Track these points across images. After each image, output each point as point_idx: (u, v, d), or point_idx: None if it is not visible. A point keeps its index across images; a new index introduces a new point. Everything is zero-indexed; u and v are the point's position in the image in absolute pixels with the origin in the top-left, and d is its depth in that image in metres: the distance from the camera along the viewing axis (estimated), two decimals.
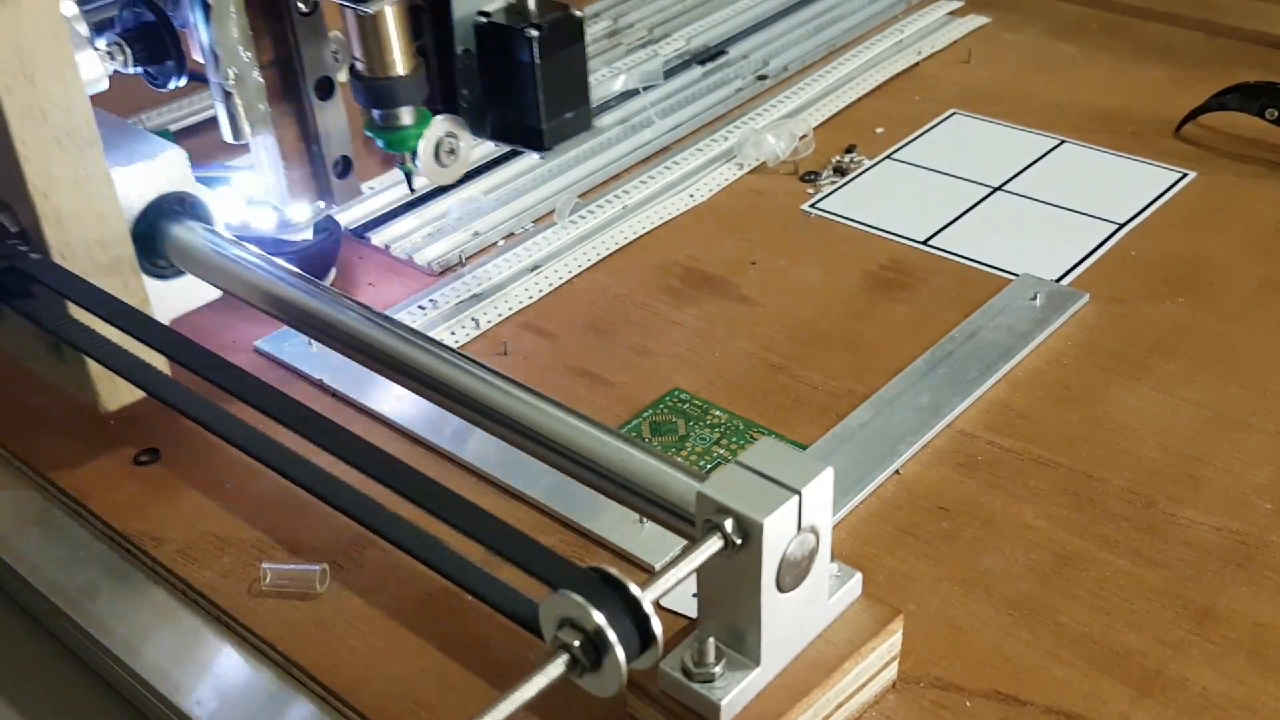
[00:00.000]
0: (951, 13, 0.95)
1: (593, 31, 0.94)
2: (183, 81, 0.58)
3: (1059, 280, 0.66)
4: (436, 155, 0.59)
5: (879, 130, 0.81)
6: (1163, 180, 0.74)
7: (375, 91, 0.57)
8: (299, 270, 0.54)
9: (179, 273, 0.56)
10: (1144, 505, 0.52)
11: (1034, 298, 0.63)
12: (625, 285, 0.68)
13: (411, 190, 0.64)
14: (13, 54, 0.47)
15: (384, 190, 0.76)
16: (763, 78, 0.86)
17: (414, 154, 0.59)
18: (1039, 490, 0.53)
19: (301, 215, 0.65)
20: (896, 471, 0.55)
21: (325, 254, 0.67)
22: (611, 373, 0.61)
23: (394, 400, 0.59)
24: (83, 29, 0.55)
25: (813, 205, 0.74)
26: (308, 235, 0.65)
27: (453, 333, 0.64)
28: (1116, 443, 0.56)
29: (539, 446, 0.46)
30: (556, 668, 0.34)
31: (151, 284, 0.55)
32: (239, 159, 0.78)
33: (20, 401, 0.61)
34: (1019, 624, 0.48)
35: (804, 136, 0.78)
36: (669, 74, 0.86)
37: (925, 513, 0.53)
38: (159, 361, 0.50)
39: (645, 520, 0.52)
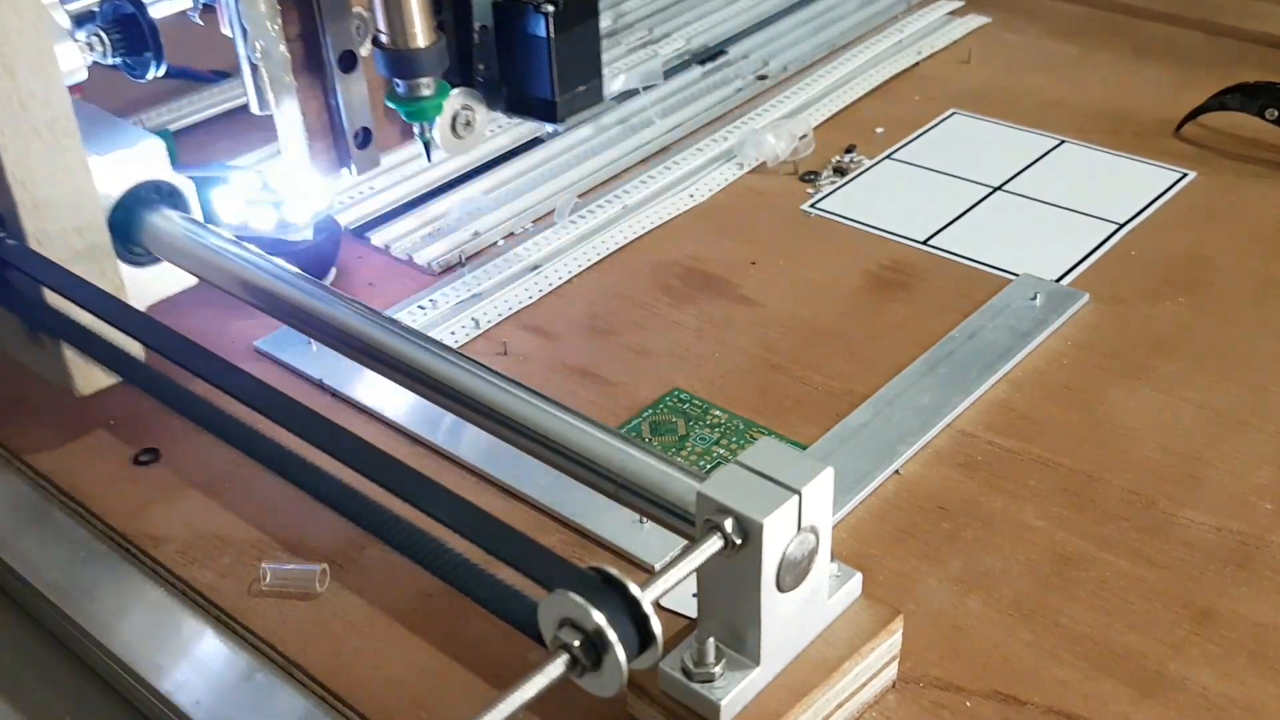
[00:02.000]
0: (951, 13, 0.95)
1: None
2: (160, 72, 0.60)
3: (1059, 280, 0.66)
4: (453, 128, 0.62)
5: (879, 130, 0.81)
6: (1163, 180, 0.74)
7: (397, 62, 0.59)
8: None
9: (155, 260, 0.57)
10: (1144, 505, 0.52)
11: (1034, 298, 0.63)
12: (625, 285, 0.68)
13: (429, 160, 0.66)
14: None
15: (384, 190, 0.76)
16: (763, 78, 0.86)
17: (433, 124, 0.61)
18: (1039, 490, 0.53)
19: (301, 215, 0.65)
20: (896, 471, 0.55)
21: (325, 254, 0.67)
22: (611, 373, 0.61)
23: (394, 400, 0.59)
24: (63, 20, 0.57)
25: (813, 205, 0.74)
26: (308, 235, 0.65)
27: (453, 333, 0.64)
28: (1116, 443, 0.55)
29: (539, 446, 0.46)
30: (556, 668, 0.34)
31: (128, 271, 0.57)
32: (240, 159, 0.78)
33: (21, 402, 0.61)
34: (1019, 624, 0.48)
35: (804, 136, 0.78)
36: (669, 74, 0.86)
37: (925, 513, 0.53)
38: (135, 348, 0.51)
39: (645, 520, 0.52)
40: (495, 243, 0.72)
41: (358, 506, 0.41)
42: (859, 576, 0.44)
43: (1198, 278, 0.66)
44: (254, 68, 0.59)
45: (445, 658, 0.47)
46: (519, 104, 0.63)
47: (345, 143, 0.63)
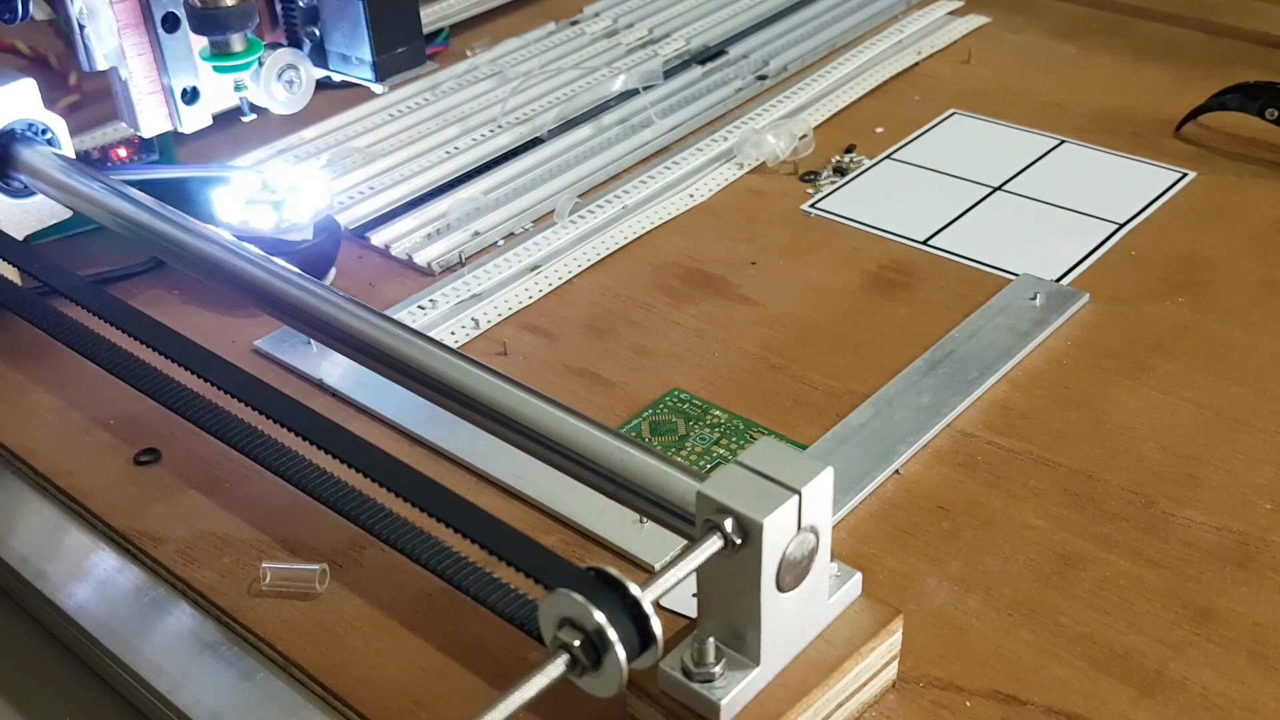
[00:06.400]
0: (951, 13, 0.95)
1: (592, 31, 0.94)
2: (27, 15, 0.63)
3: (1059, 280, 0.66)
4: (280, 86, 0.67)
5: (879, 130, 0.81)
6: (1163, 180, 0.74)
7: (205, 21, 0.63)
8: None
9: (30, 193, 0.64)
10: (1144, 505, 0.52)
11: (1034, 298, 0.63)
12: (625, 285, 0.68)
13: (242, 116, 0.69)
14: None
15: (384, 190, 0.76)
16: (763, 78, 0.86)
17: (258, 82, 0.66)
18: (1039, 490, 0.53)
19: (301, 215, 0.65)
20: (896, 471, 0.55)
21: (325, 254, 0.67)
22: (611, 373, 0.61)
23: (393, 400, 0.59)
24: None
25: (813, 205, 0.74)
26: (308, 235, 0.65)
27: (453, 333, 0.64)
28: (1116, 443, 0.56)
29: (539, 446, 0.46)
30: (556, 668, 0.34)
31: (5, 201, 0.64)
32: (240, 159, 0.78)
33: (21, 402, 0.61)
34: (1019, 624, 0.48)
35: (804, 136, 0.78)
36: (669, 74, 0.86)
37: (925, 513, 0.53)
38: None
39: (645, 520, 0.52)
40: (495, 243, 0.72)
41: (358, 506, 0.41)
42: (859, 576, 0.44)
43: (1198, 278, 0.66)
44: (80, 27, 0.62)
45: (445, 658, 0.47)
46: (343, 65, 0.67)
47: (174, 100, 0.67)
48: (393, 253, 0.71)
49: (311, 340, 0.62)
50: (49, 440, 0.59)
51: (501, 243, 0.72)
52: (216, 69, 0.65)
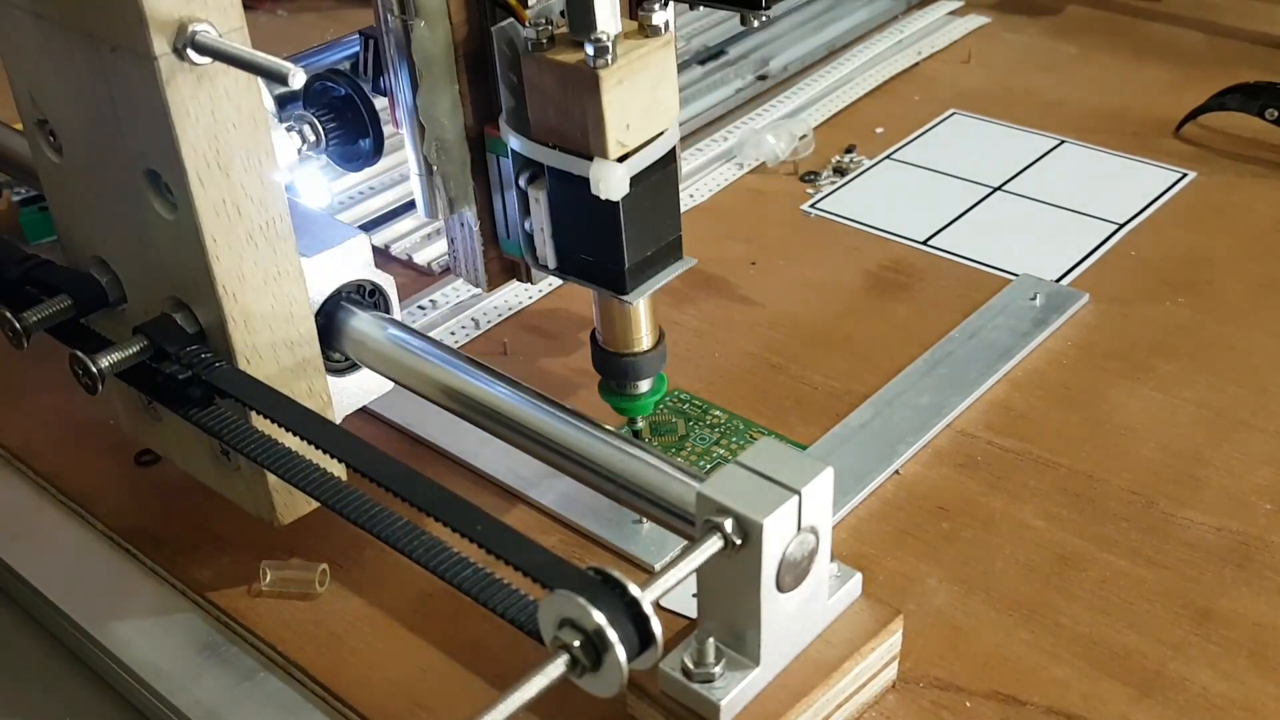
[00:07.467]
0: (951, 13, 0.95)
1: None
2: (374, 163, 0.53)
3: (1059, 280, 0.66)
4: None
5: (879, 130, 0.81)
6: (1163, 180, 0.74)
7: (617, 367, 0.52)
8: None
9: (354, 367, 0.51)
10: (1144, 505, 0.52)
11: (1034, 298, 0.63)
12: None
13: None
14: (208, 143, 0.41)
15: (384, 190, 0.76)
16: (763, 78, 0.86)
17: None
18: (1039, 490, 0.53)
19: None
20: (896, 471, 0.55)
21: None
22: None
23: (392, 400, 0.59)
24: (269, 104, 0.48)
25: (813, 205, 0.74)
26: None
27: (453, 333, 0.64)
28: (1116, 443, 0.55)
29: (539, 447, 0.46)
30: (556, 668, 0.34)
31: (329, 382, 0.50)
32: None
33: (21, 402, 0.61)
34: (1019, 624, 0.48)
35: (804, 136, 0.78)
36: None
37: (925, 513, 0.53)
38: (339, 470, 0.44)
39: (645, 520, 0.52)
40: None
41: (358, 506, 0.41)
42: (859, 576, 0.44)
43: (1198, 278, 0.66)
44: (429, 169, 0.51)
45: (445, 658, 0.47)
46: (576, 268, 0.51)
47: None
48: (393, 253, 0.71)
49: None
50: (49, 440, 0.59)
51: None
52: (618, 409, 0.54)
